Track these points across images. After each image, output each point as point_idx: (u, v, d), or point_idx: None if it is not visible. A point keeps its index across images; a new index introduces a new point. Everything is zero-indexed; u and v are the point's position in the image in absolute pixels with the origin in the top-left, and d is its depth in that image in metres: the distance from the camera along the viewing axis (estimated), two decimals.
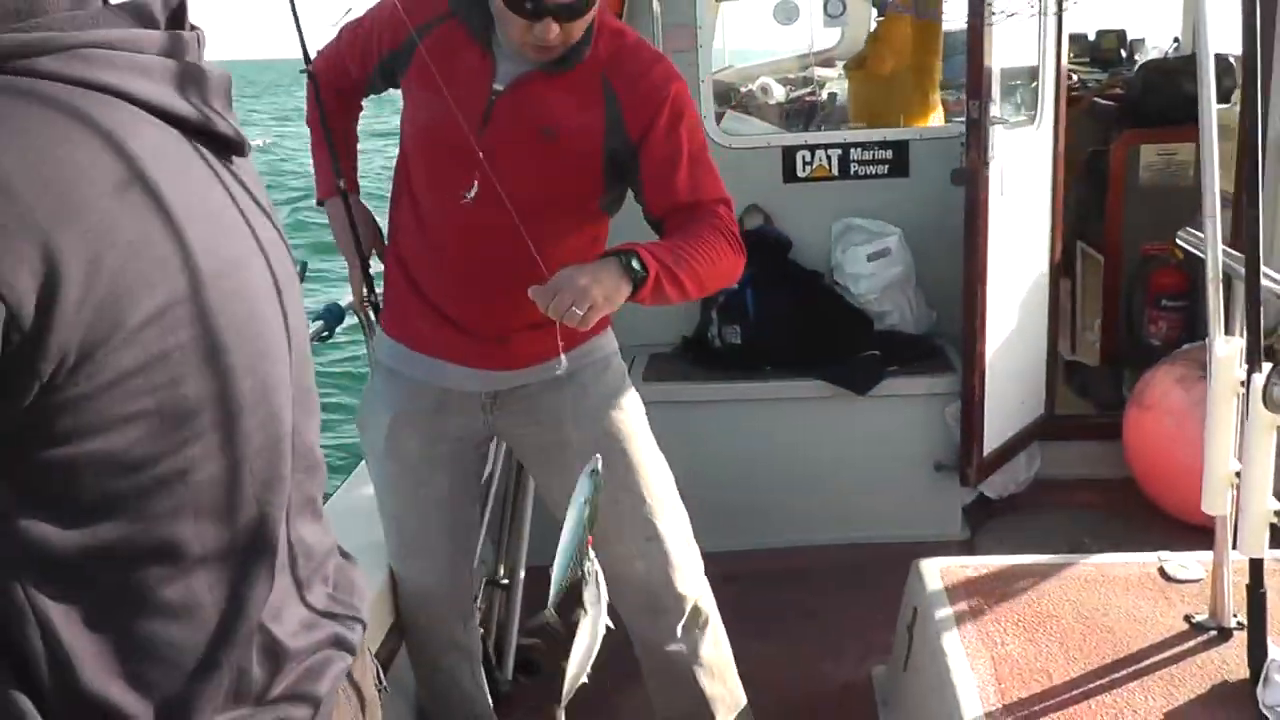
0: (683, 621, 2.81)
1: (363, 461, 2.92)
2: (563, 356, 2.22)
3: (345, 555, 1.49)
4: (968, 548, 4.04)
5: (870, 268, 4.35)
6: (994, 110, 3.81)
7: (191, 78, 1.17)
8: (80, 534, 1.06)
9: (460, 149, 2.31)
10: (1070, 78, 5.47)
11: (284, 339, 1.25)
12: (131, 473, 1.06)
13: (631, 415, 2.73)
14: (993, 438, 4.13)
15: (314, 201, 2.82)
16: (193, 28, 1.20)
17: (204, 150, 1.18)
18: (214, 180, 1.18)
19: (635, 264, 2.23)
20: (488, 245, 2.45)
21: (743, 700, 3.00)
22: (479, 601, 3.28)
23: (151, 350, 1.03)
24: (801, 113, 6.21)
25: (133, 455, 1.05)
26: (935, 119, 5.03)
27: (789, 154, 4.52)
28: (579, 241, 2.52)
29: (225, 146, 1.23)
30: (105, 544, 1.07)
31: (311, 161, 2.76)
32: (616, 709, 3.04)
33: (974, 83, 3.77)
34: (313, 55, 2.71)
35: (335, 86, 2.72)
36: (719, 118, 4.64)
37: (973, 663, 2.54)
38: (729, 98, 6.09)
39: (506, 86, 2.39)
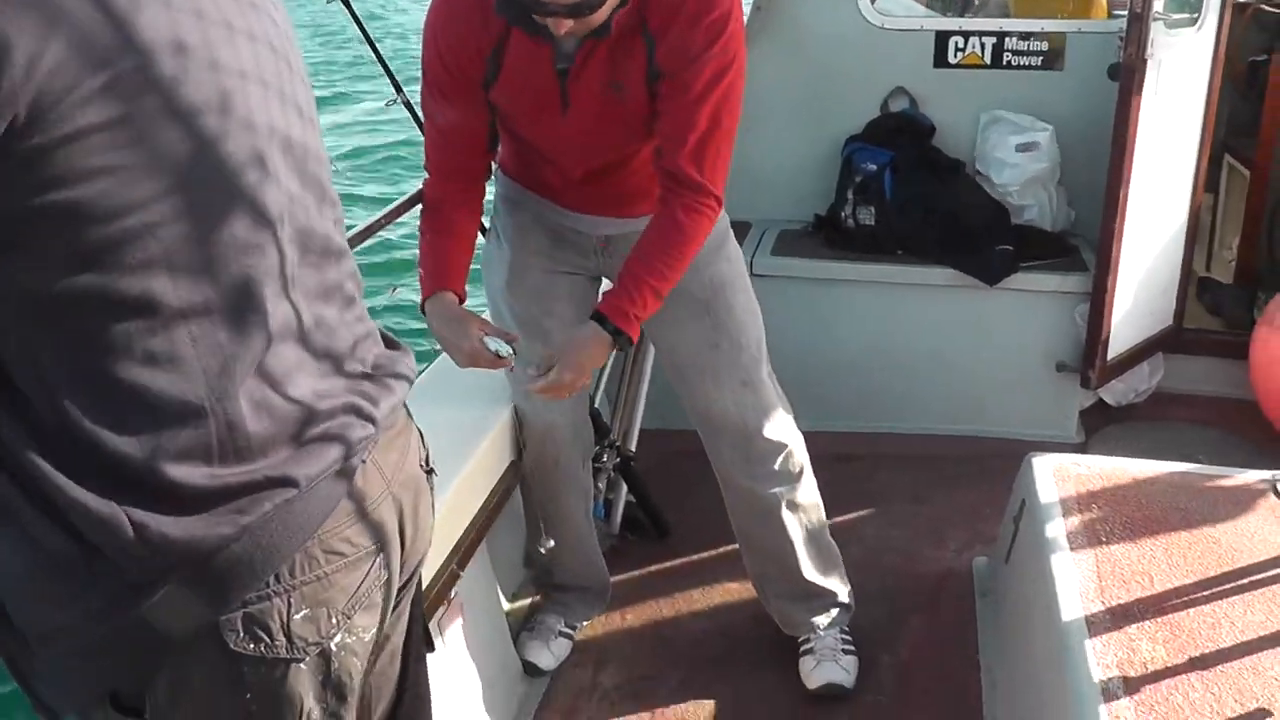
0: (775, 466, 2.92)
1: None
2: None
3: (393, 345, 1.56)
4: (1081, 451, 4.03)
5: (1017, 158, 4.27)
6: (1157, 6, 3.69)
7: None
8: (59, 283, 1.15)
9: (552, 133, 2.60)
10: None
11: (279, 120, 1.32)
12: (99, 224, 1.14)
13: (733, 265, 2.88)
14: (1118, 343, 4.09)
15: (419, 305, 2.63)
16: None
17: None
18: None
19: (623, 340, 2.54)
20: (589, 173, 2.71)
21: (834, 551, 3.11)
22: (599, 457, 3.40)
23: (111, 111, 1.12)
24: (960, 2, 6.06)
25: (99, 207, 1.13)
26: (1098, 14, 4.87)
27: (941, 39, 4.42)
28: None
29: None
30: (82, 292, 1.16)
31: (425, 263, 2.65)
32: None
33: None
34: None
35: (467, 183, 2.69)
36: None
37: (1076, 559, 2.57)
38: None
39: (568, 66, 2.46)
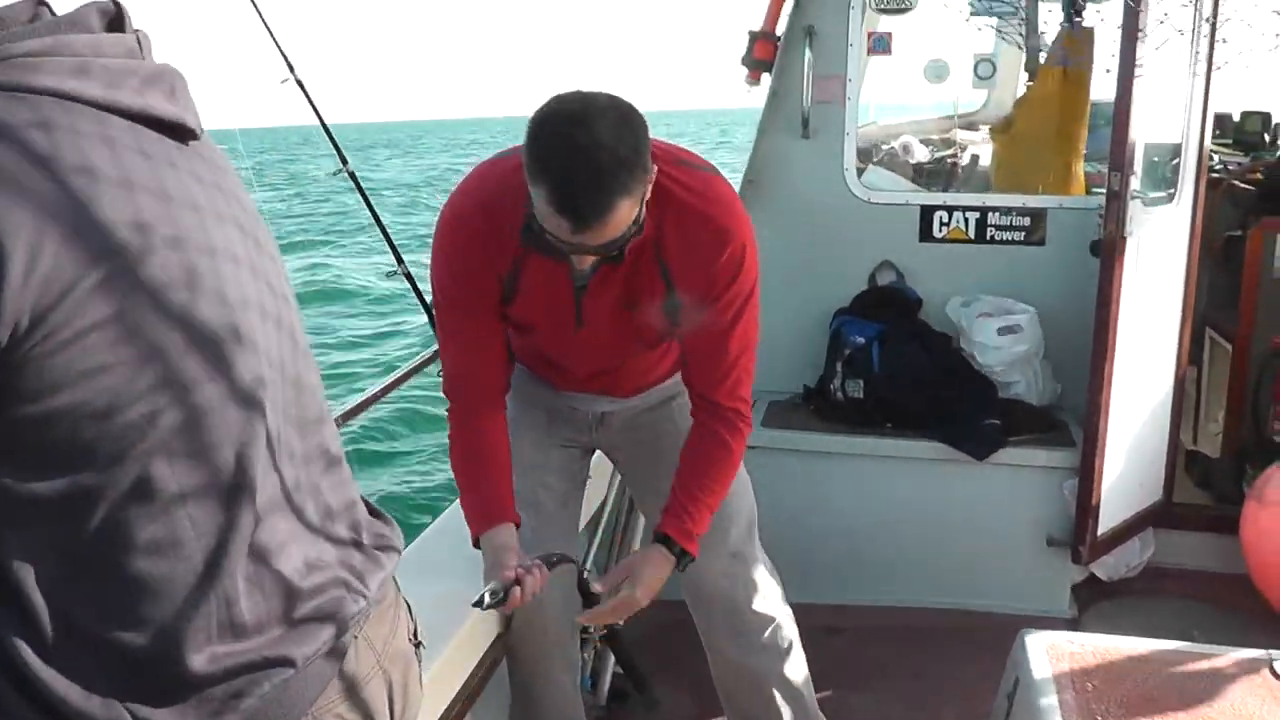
0: (764, 640, 2.91)
1: None
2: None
3: (377, 514, 1.56)
4: (1074, 626, 4.00)
5: (1000, 340, 4.34)
6: (1134, 184, 3.79)
7: (130, 73, 1.24)
8: (60, 483, 1.15)
9: (564, 343, 2.65)
10: (1212, 158, 5.38)
11: (252, 293, 1.33)
12: (102, 420, 1.14)
13: None
14: (1108, 518, 4.09)
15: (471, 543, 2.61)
16: (135, 32, 1.29)
17: (157, 135, 1.26)
18: (166, 162, 1.26)
19: (686, 560, 2.60)
20: (595, 373, 2.78)
21: None
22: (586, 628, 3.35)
23: (105, 310, 1.13)
24: (941, 173, 6.21)
25: (100, 404, 1.14)
26: (1076, 190, 5.00)
27: (927, 213, 4.53)
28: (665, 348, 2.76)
29: (176, 132, 1.30)
30: (85, 489, 1.16)
31: (471, 500, 2.62)
32: None
33: (1117, 154, 3.77)
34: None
35: (496, 394, 2.65)
36: (859, 171, 4.66)
37: None
38: (870, 154, 6.11)
39: (585, 283, 2.47)
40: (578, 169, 2.11)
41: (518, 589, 2.42)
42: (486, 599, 2.40)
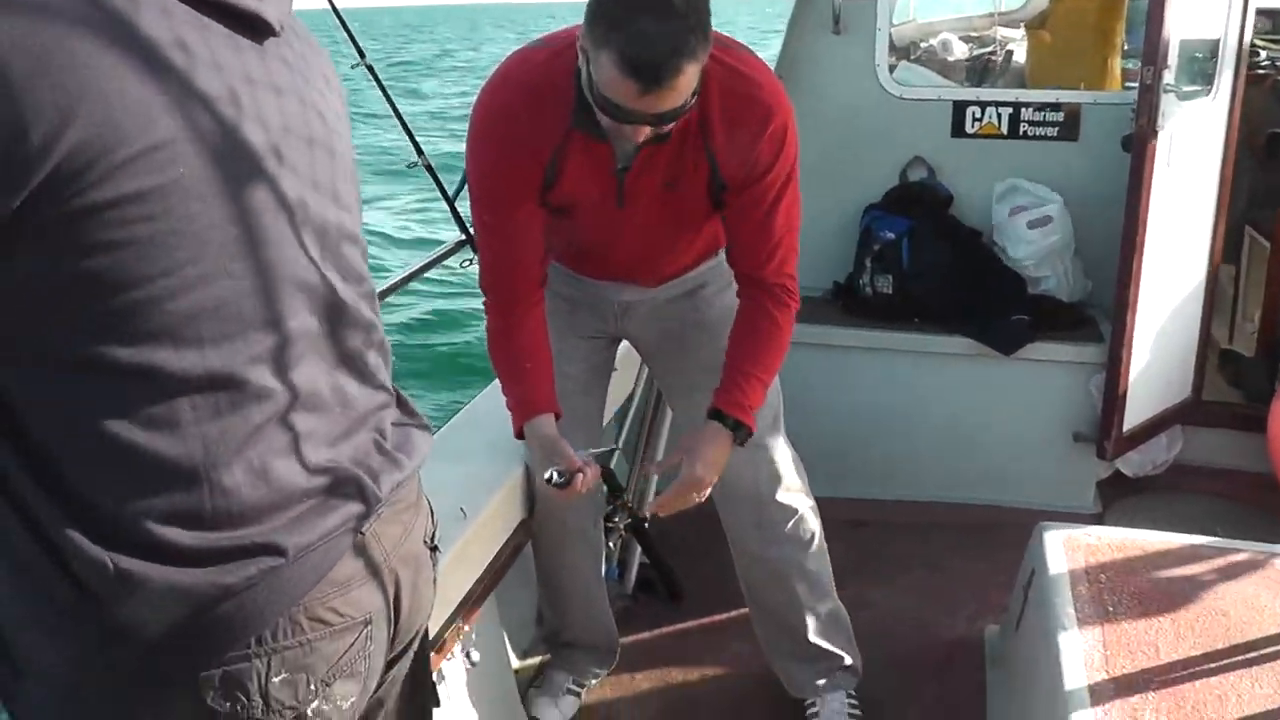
0: (786, 531, 2.94)
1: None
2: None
3: (413, 417, 1.58)
4: (1098, 522, 4.01)
5: (1031, 235, 4.30)
6: (1168, 78, 3.72)
7: None
8: (62, 347, 1.17)
9: (604, 229, 2.65)
10: (1258, 54, 5.26)
11: (311, 196, 1.34)
12: (112, 293, 1.16)
13: None
14: (1134, 414, 4.08)
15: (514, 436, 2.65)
16: None
17: (227, 28, 1.27)
18: (236, 49, 1.27)
19: (742, 433, 2.61)
20: (633, 260, 2.78)
21: (842, 616, 3.11)
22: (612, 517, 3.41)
23: (132, 187, 1.14)
24: (975, 70, 6.11)
25: (113, 277, 1.15)
26: (1113, 86, 4.91)
27: (959, 109, 4.48)
28: (709, 228, 2.74)
29: (253, 27, 1.31)
30: (84, 358, 1.18)
31: (512, 390, 2.66)
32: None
33: (1151, 48, 3.69)
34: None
35: (535, 285, 2.65)
36: (891, 68, 4.61)
37: (1082, 628, 2.56)
38: (908, 51, 6.02)
39: (627, 163, 2.46)
40: (650, 27, 2.09)
41: (580, 476, 2.48)
42: (555, 477, 2.47)
